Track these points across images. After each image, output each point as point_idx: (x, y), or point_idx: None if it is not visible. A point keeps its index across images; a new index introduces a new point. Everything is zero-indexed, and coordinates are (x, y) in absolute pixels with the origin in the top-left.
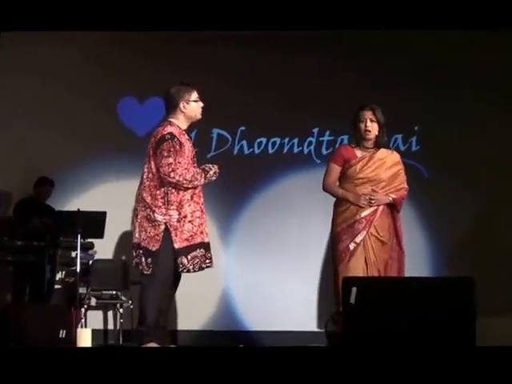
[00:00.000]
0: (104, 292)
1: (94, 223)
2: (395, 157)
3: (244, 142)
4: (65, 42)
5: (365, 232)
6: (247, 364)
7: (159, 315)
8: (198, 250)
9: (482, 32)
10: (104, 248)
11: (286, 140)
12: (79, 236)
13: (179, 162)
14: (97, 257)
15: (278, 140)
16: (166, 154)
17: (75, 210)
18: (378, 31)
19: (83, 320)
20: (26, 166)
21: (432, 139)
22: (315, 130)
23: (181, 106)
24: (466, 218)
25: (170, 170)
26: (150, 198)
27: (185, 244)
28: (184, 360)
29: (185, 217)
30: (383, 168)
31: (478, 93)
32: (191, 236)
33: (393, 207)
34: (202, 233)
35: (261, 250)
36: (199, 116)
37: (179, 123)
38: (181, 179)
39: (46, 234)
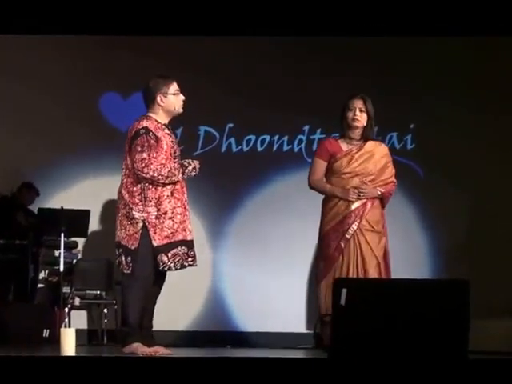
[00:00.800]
0: (88, 292)
1: (78, 222)
2: (383, 149)
3: (232, 140)
4: (43, 40)
5: (355, 226)
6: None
7: (143, 315)
8: (180, 248)
9: (480, 36)
10: (88, 247)
11: (276, 137)
12: (62, 235)
13: (154, 157)
14: (81, 256)
15: (267, 137)
16: (139, 149)
17: (58, 208)
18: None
19: (67, 320)
20: (7, 165)
21: (428, 137)
22: (306, 128)
23: (158, 99)
24: (463, 218)
25: (144, 165)
26: (127, 195)
27: (165, 241)
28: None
29: (165, 213)
30: (371, 161)
31: (476, 91)
32: (172, 233)
33: (381, 202)
34: (184, 230)
35: (250, 250)
36: (180, 109)
37: (158, 117)
38: (155, 174)
39: (29, 232)
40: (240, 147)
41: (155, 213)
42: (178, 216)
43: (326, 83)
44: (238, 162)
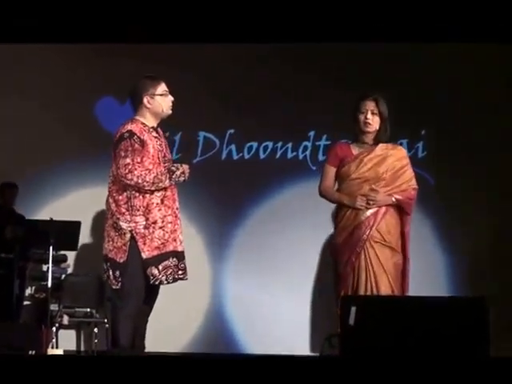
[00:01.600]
0: (77, 309)
1: (68, 234)
2: (398, 152)
3: (233, 147)
4: (40, 48)
5: (365, 237)
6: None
7: (134, 334)
8: (171, 259)
9: (493, 41)
10: (78, 261)
11: (280, 144)
12: (51, 248)
13: (138, 163)
14: (70, 270)
15: (270, 144)
16: (123, 154)
17: (47, 218)
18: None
19: (54, 340)
20: None
21: (441, 144)
22: (311, 134)
23: (145, 101)
24: (480, 229)
25: (127, 171)
26: (114, 204)
27: (155, 253)
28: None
29: (154, 223)
30: (382, 165)
31: (492, 95)
32: (163, 244)
33: (400, 209)
34: (174, 240)
35: (252, 265)
36: (168, 111)
37: (145, 120)
38: (139, 181)
39: (16, 245)
40: (241, 154)
41: (144, 222)
42: (169, 225)
43: (331, 86)
44: (239, 170)
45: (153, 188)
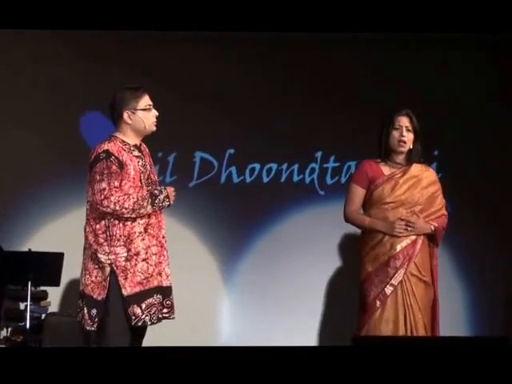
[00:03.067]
0: None
1: (49, 267)
2: (431, 174)
3: (233, 169)
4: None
5: (403, 270)
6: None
7: None
8: (155, 296)
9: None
10: (60, 299)
11: (285, 166)
12: (30, 283)
13: (116, 187)
14: (51, 309)
15: (274, 166)
16: (98, 177)
17: (25, 250)
18: (390, 48)
19: None
20: None
21: (456, 166)
22: (318, 154)
23: (125, 116)
24: (502, 263)
25: (103, 197)
26: (92, 233)
27: (138, 289)
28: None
29: (137, 254)
30: (418, 188)
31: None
32: (146, 278)
33: (430, 239)
34: (159, 274)
35: (255, 299)
36: (152, 127)
37: (125, 137)
38: (117, 208)
39: None
40: (242, 177)
41: (125, 254)
42: (154, 257)
43: (339, 104)
44: (240, 194)
45: (133, 215)
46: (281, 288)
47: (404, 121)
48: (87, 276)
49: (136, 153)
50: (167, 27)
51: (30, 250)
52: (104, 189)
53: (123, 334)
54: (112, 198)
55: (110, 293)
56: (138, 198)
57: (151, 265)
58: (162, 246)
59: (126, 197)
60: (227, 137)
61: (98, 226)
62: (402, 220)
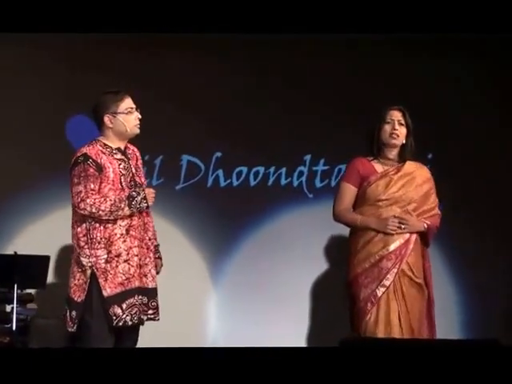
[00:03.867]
0: None
1: (35, 270)
2: (425, 172)
3: (220, 172)
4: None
5: (395, 270)
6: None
7: None
8: (137, 297)
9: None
10: (47, 301)
11: (272, 169)
12: (16, 286)
13: (92, 189)
14: (38, 311)
15: (261, 169)
16: (76, 180)
17: (11, 253)
18: (380, 50)
19: None
20: None
21: (450, 169)
22: (307, 158)
23: (106, 120)
24: (496, 267)
25: (79, 199)
26: (75, 237)
27: (119, 290)
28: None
29: (118, 256)
30: (413, 185)
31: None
32: (127, 279)
33: (422, 239)
34: (145, 275)
35: (241, 302)
36: (134, 130)
37: (108, 141)
38: (94, 210)
39: None
40: (229, 180)
41: (105, 256)
42: (135, 258)
43: (329, 105)
44: (227, 197)
45: (111, 217)
46: (268, 290)
47: (396, 114)
48: (71, 279)
49: (118, 156)
50: (153, 30)
51: (15, 253)
52: (80, 191)
53: (105, 335)
54: (88, 201)
55: (92, 294)
56: (115, 200)
57: (132, 266)
58: (147, 248)
59: (103, 199)
60: (214, 140)
61: (79, 230)
62: (396, 217)
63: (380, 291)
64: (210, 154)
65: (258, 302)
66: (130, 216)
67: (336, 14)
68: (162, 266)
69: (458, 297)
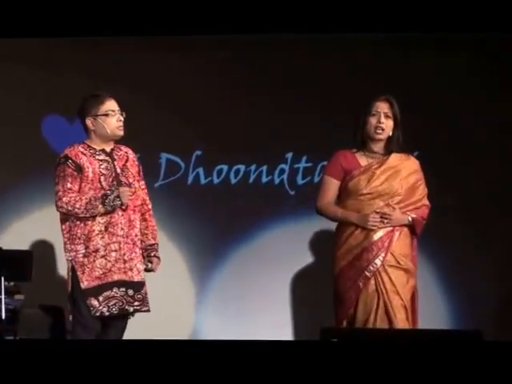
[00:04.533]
0: None
1: (19, 264)
2: (412, 164)
3: (200, 170)
4: None
5: (378, 261)
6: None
7: None
8: (116, 289)
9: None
10: (34, 292)
11: (253, 167)
12: (2, 279)
13: (69, 189)
14: (27, 302)
15: (242, 167)
16: (56, 180)
17: None
18: (364, 48)
19: None
20: None
21: (437, 167)
22: (289, 156)
23: (87, 122)
24: (480, 265)
25: (57, 198)
26: (61, 234)
27: (96, 283)
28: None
29: (96, 251)
30: (397, 178)
31: (499, 105)
32: (104, 273)
33: (411, 230)
34: (130, 269)
35: (222, 301)
36: (117, 132)
37: (92, 143)
38: (70, 208)
39: None
40: (210, 178)
41: (83, 251)
42: (113, 253)
43: (311, 103)
44: (208, 195)
45: (87, 215)
46: (249, 284)
47: (382, 106)
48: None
49: (101, 157)
50: (132, 31)
51: (0, 248)
52: (58, 191)
53: (86, 322)
54: (64, 199)
55: (73, 286)
56: (90, 199)
57: (110, 261)
58: (134, 244)
59: (78, 198)
60: (194, 138)
61: (63, 227)
62: (377, 213)
63: (362, 283)
64: (190, 152)
65: (238, 295)
66: (110, 214)
67: (325, 12)
68: (158, 263)
69: (444, 297)
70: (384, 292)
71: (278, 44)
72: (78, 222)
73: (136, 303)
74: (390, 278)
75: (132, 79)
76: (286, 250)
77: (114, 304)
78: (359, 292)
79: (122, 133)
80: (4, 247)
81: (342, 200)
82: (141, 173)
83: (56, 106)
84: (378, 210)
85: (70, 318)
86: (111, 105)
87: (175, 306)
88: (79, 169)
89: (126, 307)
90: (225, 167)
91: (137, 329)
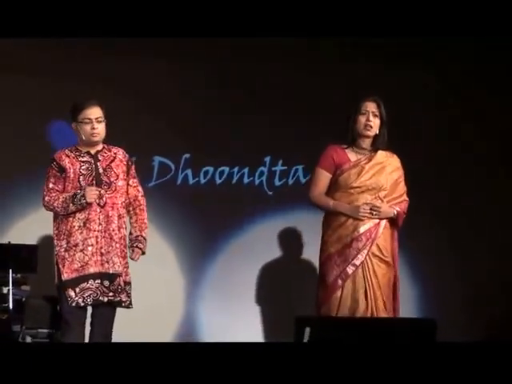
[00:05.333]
0: (39, 330)
1: (26, 257)
2: (395, 161)
3: (189, 171)
4: None
5: (365, 251)
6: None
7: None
8: (92, 281)
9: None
10: (39, 283)
11: (236, 169)
12: (10, 271)
13: (52, 188)
14: (33, 293)
15: (226, 169)
16: (44, 181)
17: (5, 243)
18: (340, 53)
19: None
20: None
21: (408, 169)
22: (267, 159)
23: (73, 126)
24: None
25: (42, 198)
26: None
27: (74, 275)
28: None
29: (75, 245)
30: (383, 174)
31: (472, 96)
32: (82, 266)
33: (392, 223)
34: (107, 262)
35: (208, 291)
36: (91, 138)
37: (79, 145)
38: (50, 206)
39: None
40: (197, 179)
41: (65, 245)
42: (90, 248)
43: (287, 112)
44: (195, 195)
45: (64, 212)
46: (236, 273)
47: (371, 106)
48: None
49: (85, 158)
50: (125, 34)
51: (9, 242)
52: (43, 190)
53: (72, 309)
54: (46, 198)
55: (59, 278)
56: (65, 198)
57: (87, 255)
58: (111, 238)
59: (57, 197)
60: (183, 143)
61: (54, 223)
62: (367, 204)
63: (350, 269)
64: (179, 155)
65: (226, 284)
66: (88, 211)
67: (299, 17)
68: (141, 253)
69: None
70: (370, 282)
71: (257, 49)
72: (63, 219)
73: (110, 294)
74: (373, 269)
75: (132, 90)
76: (263, 243)
77: (89, 295)
78: (347, 278)
79: (96, 139)
80: (12, 241)
81: (332, 192)
82: (131, 172)
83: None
84: (368, 202)
85: (58, 308)
86: (88, 113)
87: (167, 292)
88: (62, 170)
89: (100, 298)
90: (210, 169)
91: (129, 318)
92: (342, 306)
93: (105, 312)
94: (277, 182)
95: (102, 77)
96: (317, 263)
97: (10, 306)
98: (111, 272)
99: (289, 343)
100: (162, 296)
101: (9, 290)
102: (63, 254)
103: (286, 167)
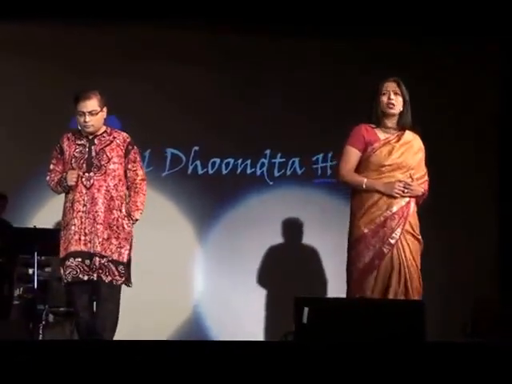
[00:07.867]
0: (61, 309)
1: (50, 241)
2: (420, 142)
3: (198, 162)
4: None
5: (399, 229)
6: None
7: (88, 325)
8: (72, 260)
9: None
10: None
11: (240, 161)
12: (36, 253)
13: (52, 169)
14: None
15: (231, 161)
16: None
17: (31, 227)
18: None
19: (41, 336)
20: None
21: None
22: (267, 152)
23: (76, 115)
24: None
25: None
26: None
27: (63, 254)
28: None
29: (66, 225)
30: (411, 152)
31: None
32: (67, 245)
33: (416, 202)
34: (90, 242)
35: (215, 275)
36: (85, 129)
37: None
38: (49, 185)
39: (4, 250)
40: (206, 169)
41: (62, 225)
42: (73, 227)
43: (286, 109)
44: (204, 183)
45: (57, 193)
46: (242, 256)
47: (391, 86)
48: None
49: (82, 141)
50: (142, 26)
51: (35, 226)
52: (47, 170)
53: (71, 289)
54: (47, 178)
55: None
56: (59, 179)
57: (70, 233)
58: (94, 219)
59: (54, 177)
60: (193, 136)
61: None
62: (401, 182)
63: (386, 249)
64: (189, 147)
65: (235, 262)
66: (74, 192)
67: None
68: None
69: None
70: (404, 260)
71: (266, 44)
72: (64, 200)
73: (90, 272)
74: (408, 246)
75: (147, 86)
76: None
77: (69, 273)
78: (383, 258)
79: (89, 130)
80: (41, 224)
81: (362, 171)
82: (131, 156)
83: None
84: (401, 180)
85: None
86: (81, 106)
87: (181, 261)
88: (62, 152)
89: (80, 275)
90: (217, 160)
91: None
92: (377, 286)
93: (103, 289)
94: (276, 173)
95: (123, 72)
96: (311, 244)
97: (35, 286)
98: (92, 252)
99: (289, 343)
100: (180, 262)
101: (34, 271)
102: (61, 233)
103: (284, 159)
